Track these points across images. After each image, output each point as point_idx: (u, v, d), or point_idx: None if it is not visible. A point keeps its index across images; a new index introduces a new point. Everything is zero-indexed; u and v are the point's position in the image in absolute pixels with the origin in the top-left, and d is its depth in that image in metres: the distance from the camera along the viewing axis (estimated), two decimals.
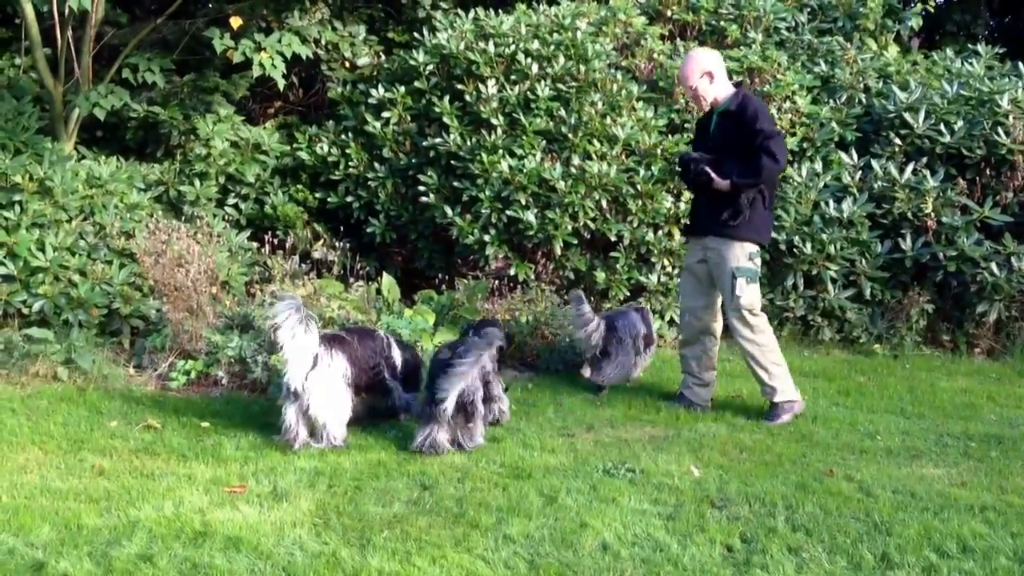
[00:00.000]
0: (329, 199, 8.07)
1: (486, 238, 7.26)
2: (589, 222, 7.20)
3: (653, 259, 7.37)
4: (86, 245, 6.58)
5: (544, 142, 7.39)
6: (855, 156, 7.86)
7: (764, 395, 5.63)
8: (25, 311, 6.24)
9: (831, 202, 7.49)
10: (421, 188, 7.57)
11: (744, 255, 5.45)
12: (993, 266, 7.26)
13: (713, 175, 5.43)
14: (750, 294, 5.48)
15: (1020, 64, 8.53)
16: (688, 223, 6.02)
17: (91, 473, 4.42)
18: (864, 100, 8.35)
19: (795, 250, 7.42)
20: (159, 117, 8.12)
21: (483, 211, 7.21)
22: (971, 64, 8.58)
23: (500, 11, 8.21)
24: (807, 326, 7.57)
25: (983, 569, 3.61)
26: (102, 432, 5.02)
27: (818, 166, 7.75)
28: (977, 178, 7.66)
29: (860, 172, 7.75)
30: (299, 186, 8.18)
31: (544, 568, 3.54)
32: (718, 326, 5.77)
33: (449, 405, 4.71)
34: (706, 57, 5.57)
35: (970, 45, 9.99)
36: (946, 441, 5.25)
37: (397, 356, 5.33)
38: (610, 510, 4.10)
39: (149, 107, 8.18)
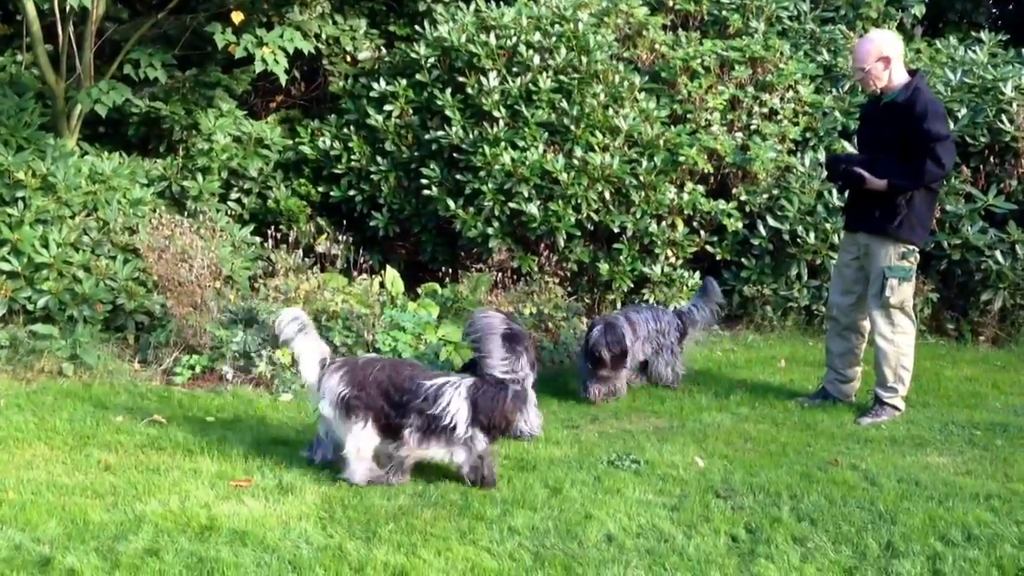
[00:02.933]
0: (332, 193, 8.06)
1: (489, 231, 7.25)
2: (592, 214, 7.19)
3: (656, 250, 7.36)
4: (90, 241, 6.59)
5: (546, 134, 7.37)
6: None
7: (876, 391, 5.51)
8: (30, 307, 6.25)
9: (834, 191, 7.46)
10: (424, 181, 7.56)
11: (896, 254, 5.32)
12: (998, 254, 7.24)
13: (867, 175, 5.26)
14: (901, 293, 5.37)
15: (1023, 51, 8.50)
16: (845, 218, 5.84)
17: (97, 468, 4.44)
18: None
19: (799, 240, 7.40)
20: (161, 112, 8.11)
21: (486, 204, 7.20)
22: (974, 52, 8.54)
23: (501, 3, 8.19)
24: (811, 316, 7.55)
25: (988, 557, 3.62)
26: (108, 427, 5.03)
27: (821, 155, 7.72)
28: (981, 166, 7.64)
29: None
30: (302, 180, 8.17)
31: (549, 560, 3.55)
32: (866, 324, 5.63)
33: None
34: (886, 42, 5.33)
35: (973, 33, 9.94)
36: (951, 429, 5.26)
37: None
38: (615, 501, 4.11)
39: (151, 102, 8.16)
